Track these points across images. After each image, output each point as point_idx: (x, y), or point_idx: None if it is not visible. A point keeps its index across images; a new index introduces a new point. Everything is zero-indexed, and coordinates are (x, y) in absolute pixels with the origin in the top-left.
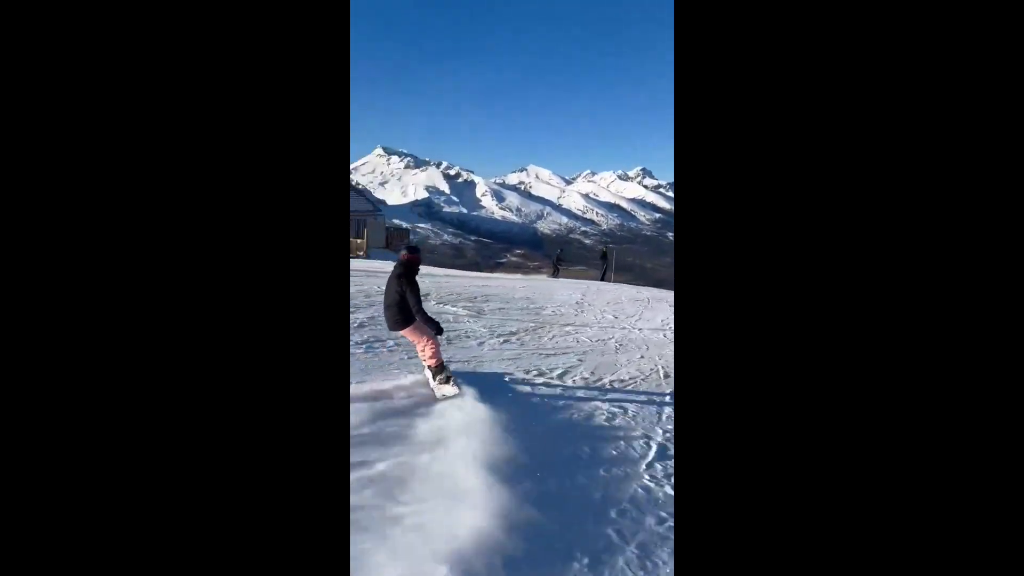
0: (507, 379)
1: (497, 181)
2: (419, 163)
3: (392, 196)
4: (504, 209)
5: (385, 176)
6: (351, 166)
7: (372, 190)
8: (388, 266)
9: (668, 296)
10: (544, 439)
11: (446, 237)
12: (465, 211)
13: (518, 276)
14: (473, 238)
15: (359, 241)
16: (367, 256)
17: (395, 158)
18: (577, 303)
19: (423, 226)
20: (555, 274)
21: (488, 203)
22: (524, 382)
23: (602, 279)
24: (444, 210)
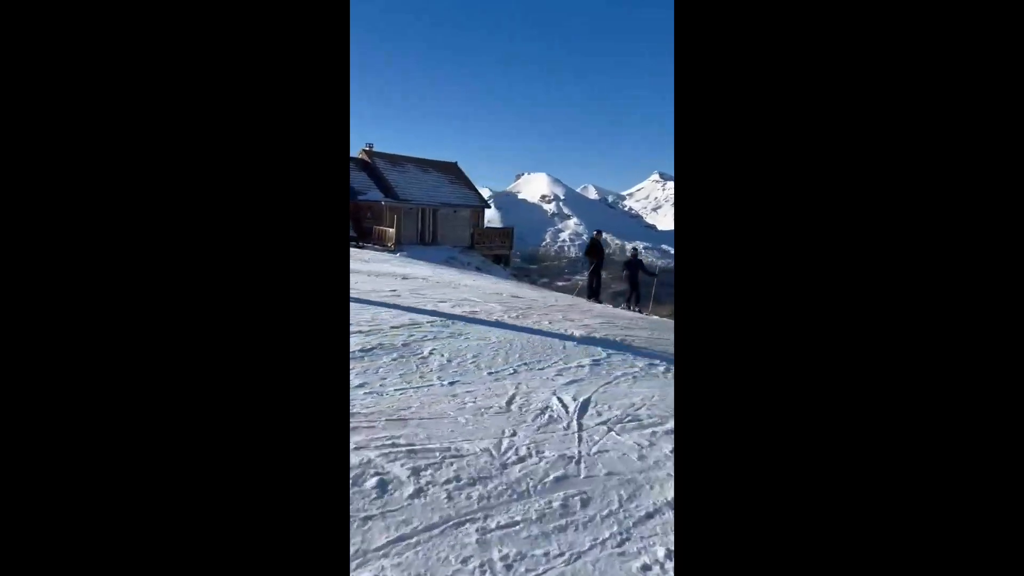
0: None
1: None
2: None
3: (663, 222)
4: None
5: (659, 201)
6: (625, 192)
7: (644, 215)
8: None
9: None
10: None
11: None
12: None
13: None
14: None
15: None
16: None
17: (671, 184)
18: None
19: None
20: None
21: None
22: None
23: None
24: None
